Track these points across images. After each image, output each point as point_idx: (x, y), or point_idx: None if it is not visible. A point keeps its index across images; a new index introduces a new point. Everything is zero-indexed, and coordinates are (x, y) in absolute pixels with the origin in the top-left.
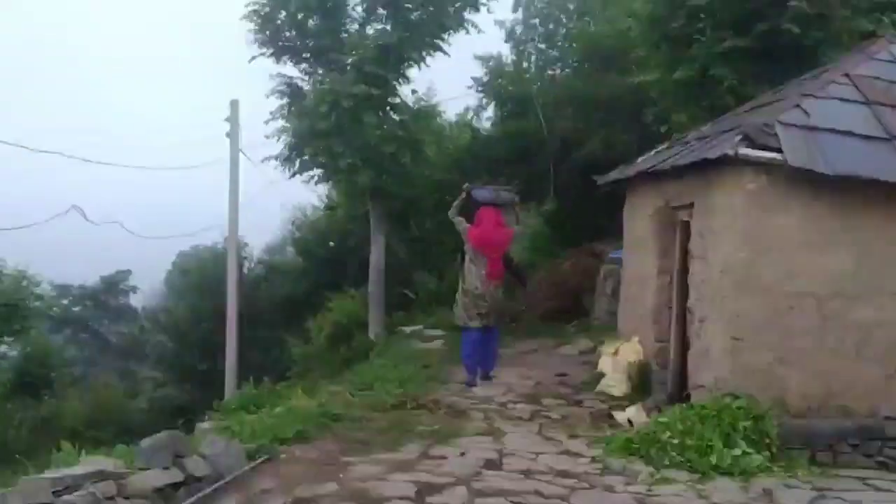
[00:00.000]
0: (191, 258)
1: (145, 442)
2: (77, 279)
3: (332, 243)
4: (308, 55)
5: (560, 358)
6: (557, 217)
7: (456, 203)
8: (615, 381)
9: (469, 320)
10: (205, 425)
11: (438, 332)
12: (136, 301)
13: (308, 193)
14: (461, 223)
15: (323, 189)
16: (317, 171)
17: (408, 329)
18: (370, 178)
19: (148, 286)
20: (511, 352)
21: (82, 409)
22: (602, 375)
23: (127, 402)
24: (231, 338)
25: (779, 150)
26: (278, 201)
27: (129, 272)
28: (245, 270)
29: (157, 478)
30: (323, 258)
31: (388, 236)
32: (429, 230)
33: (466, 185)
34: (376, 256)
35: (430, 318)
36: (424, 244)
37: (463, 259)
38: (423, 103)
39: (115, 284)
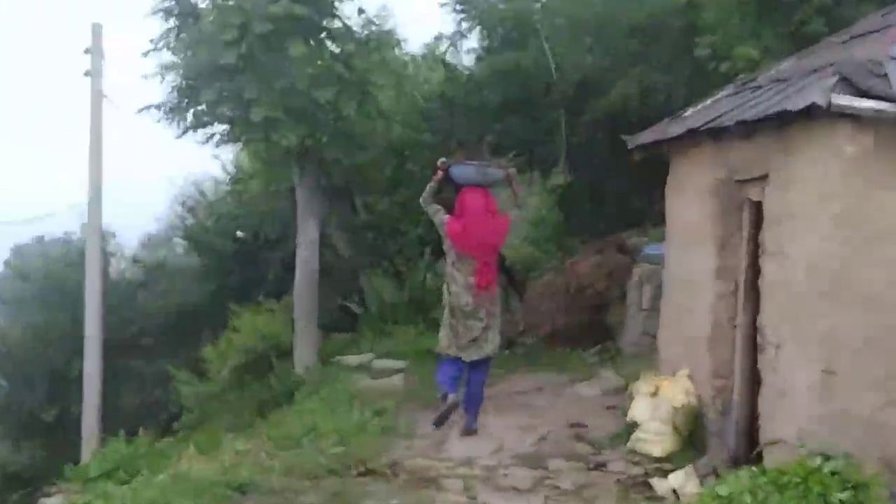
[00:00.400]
0: (32, 255)
1: None
2: None
3: (240, 233)
4: None
5: (575, 401)
6: (571, 195)
7: (430, 185)
8: (654, 435)
9: (459, 351)
10: (52, 501)
11: (397, 364)
12: None
13: (206, 160)
14: (438, 213)
15: (228, 154)
16: (219, 128)
17: (353, 359)
18: (298, 136)
19: None
20: (504, 391)
21: None
22: (635, 426)
23: None
24: (92, 372)
25: (891, 99)
26: (162, 173)
27: None
28: (113, 273)
29: None
30: (228, 255)
31: (325, 223)
32: (384, 214)
33: (442, 159)
34: (306, 253)
35: (385, 342)
36: (378, 235)
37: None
38: (374, 29)
39: None
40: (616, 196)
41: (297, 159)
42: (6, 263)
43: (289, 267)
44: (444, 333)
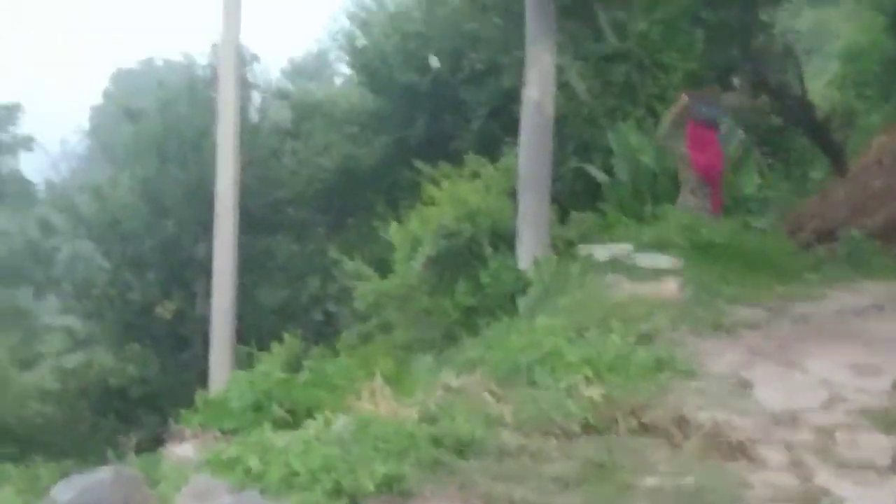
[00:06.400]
0: (140, 86)
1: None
2: None
3: (433, 61)
4: None
5: None
6: None
7: (671, 118)
8: None
9: None
10: (182, 450)
11: (667, 262)
12: (30, 168)
13: None
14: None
15: None
16: None
17: (602, 251)
18: None
19: (54, 140)
20: (825, 310)
21: None
22: None
23: (14, 375)
24: (224, 255)
25: None
26: None
27: (18, 107)
28: (253, 115)
29: None
30: (415, 93)
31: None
32: (643, 39)
33: (683, 96)
34: (538, 93)
35: (643, 228)
36: (632, 70)
37: None
38: None
39: None
40: None
41: None
42: (106, 96)
43: (500, 112)
44: None
